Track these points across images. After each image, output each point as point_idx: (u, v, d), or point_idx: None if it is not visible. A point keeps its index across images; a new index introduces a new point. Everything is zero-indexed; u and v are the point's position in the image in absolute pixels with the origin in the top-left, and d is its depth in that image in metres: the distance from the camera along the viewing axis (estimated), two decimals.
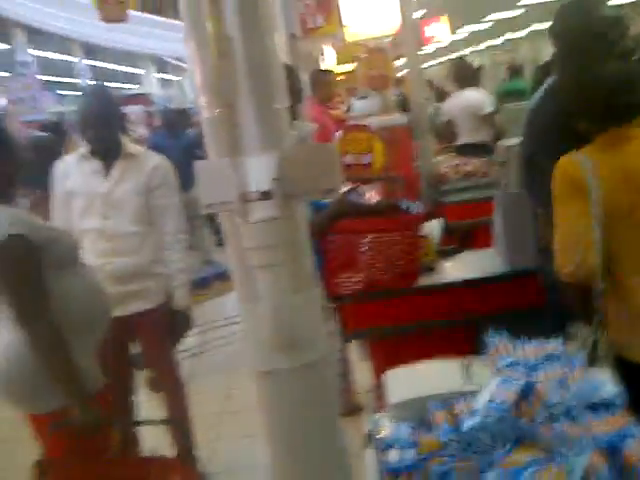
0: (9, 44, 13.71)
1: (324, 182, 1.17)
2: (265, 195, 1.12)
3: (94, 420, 2.13)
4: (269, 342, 1.21)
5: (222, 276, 4.91)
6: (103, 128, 2.90)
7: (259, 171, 1.14)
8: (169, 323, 3.05)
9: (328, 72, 6.39)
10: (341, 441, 1.36)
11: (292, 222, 1.19)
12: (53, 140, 7.30)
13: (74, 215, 2.94)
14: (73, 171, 2.99)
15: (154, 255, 3.01)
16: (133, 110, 12.15)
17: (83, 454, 2.17)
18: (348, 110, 7.42)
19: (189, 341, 4.94)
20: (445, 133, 5.88)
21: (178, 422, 3.01)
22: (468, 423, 1.46)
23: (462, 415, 1.51)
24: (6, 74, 12.20)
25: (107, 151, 2.96)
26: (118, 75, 22.98)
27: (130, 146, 3.03)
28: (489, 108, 5.75)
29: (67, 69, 18.27)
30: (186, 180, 7.48)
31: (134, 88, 23.78)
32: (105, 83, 21.92)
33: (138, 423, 2.79)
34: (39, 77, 11.52)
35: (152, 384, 3.79)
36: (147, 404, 3.15)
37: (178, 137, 7.56)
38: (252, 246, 1.14)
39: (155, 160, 3.03)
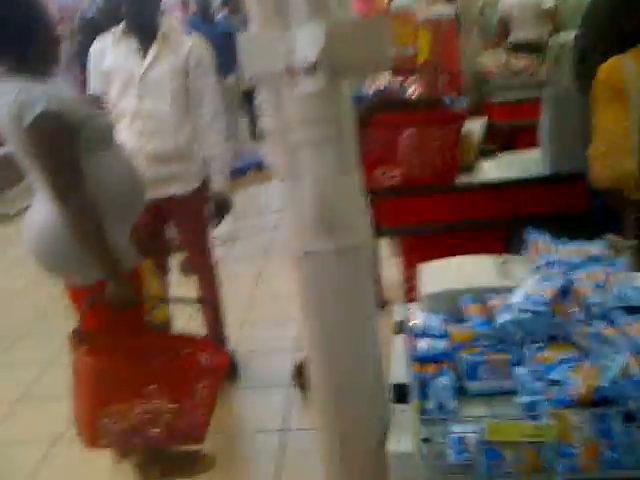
0: None
1: (373, 57, 1.11)
2: (311, 67, 1.08)
3: (128, 296, 2.20)
4: (309, 222, 1.20)
5: (257, 166, 4.91)
6: (141, 7, 2.82)
7: (306, 42, 1.09)
8: (206, 207, 3.07)
9: None
10: (374, 327, 1.38)
11: (339, 97, 1.15)
12: (102, 20, 7.19)
13: (111, 95, 2.90)
14: (110, 50, 2.93)
15: (191, 138, 2.97)
16: None
17: (117, 327, 2.26)
18: (390, 1, 7.14)
19: (223, 228, 5.04)
20: (497, 28, 5.63)
21: (209, 303, 3.09)
22: (502, 317, 1.46)
23: (496, 309, 1.51)
24: None
25: (144, 29, 2.88)
26: None
27: (168, 25, 2.94)
28: (550, 1, 5.44)
29: None
30: (222, 66, 7.41)
31: None
32: None
33: (171, 301, 2.86)
34: None
35: (185, 267, 3.88)
36: (179, 286, 3.23)
37: (213, 22, 7.41)
38: (296, 120, 1.11)
39: (192, 40, 2.95)
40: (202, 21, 7.38)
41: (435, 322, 1.54)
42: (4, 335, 4.13)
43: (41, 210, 2.23)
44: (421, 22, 3.95)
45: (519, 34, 5.53)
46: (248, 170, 4.83)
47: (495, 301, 1.54)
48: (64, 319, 3.78)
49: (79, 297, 2.27)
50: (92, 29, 6.16)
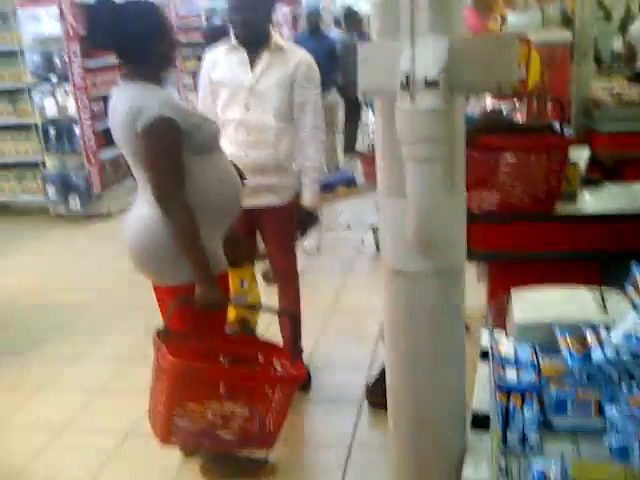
0: None
1: (498, 76, 1.10)
2: (430, 84, 1.09)
3: (216, 299, 2.27)
4: (410, 241, 1.20)
5: (348, 182, 4.96)
6: (251, 17, 2.90)
7: (427, 57, 1.10)
8: (295, 219, 3.12)
9: None
10: (463, 351, 1.37)
11: (454, 116, 1.16)
12: (228, 29, 7.48)
13: (219, 105, 3.01)
14: (221, 61, 3.04)
15: (291, 151, 3.05)
16: (279, 11, 12.07)
17: (200, 329, 2.33)
18: (503, 24, 7.05)
19: (309, 240, 5.10)
20: (625, 53, 5.45)
21: (289, 313, 3.14)
22: (598, 355, 1.42)
23: (592, 345, 1.47)
24: None
25: (254, 41, 2.96)
26: None
27: (278, 38, 3.02)
28: None
29: None
30: (324, 83, 7.49)
31: None
32: None
33: (253, 307, 2.93)
34: None
35: (267, 276, 3.96)
36: (261, 294, 3.29)
37: (321, 39, 7.56)
38: (407, 137, 1.12)
39: (300, 54, 3.01)
40: (309, 37, 7.56)
41: (525, 352, 1.51)
42: (91, 329, 4.31)
43: (141, 210, 2.35)
44: (534, 45, 3.90)
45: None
46: (339, 185, 4.88)
47: (591, 336, 1.49)
48: (146, 317, 3.96)
49: (167, 297, 2.35)
50: (219, 36, 6.43)
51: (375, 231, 5.17)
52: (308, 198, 3.08)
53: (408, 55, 1.11)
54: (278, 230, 3.16)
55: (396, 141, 1.17)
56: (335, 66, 7.31)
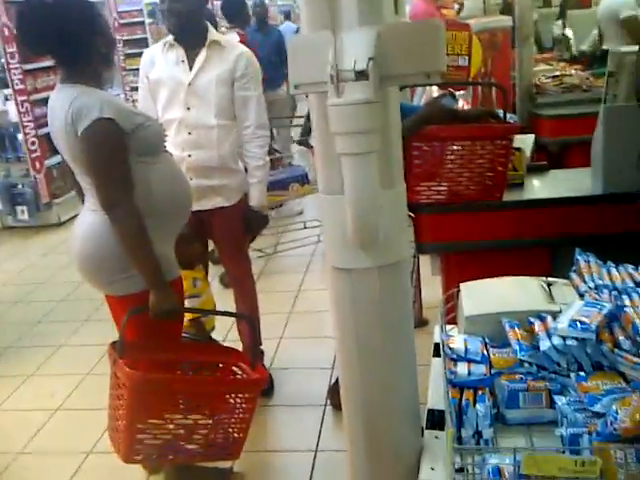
0: None
1: (426, 64, 1.06)
2: (360, 75, 1.04)
3: (171, 306, 2.19)
4: (350, 238, 1.16)
5: (301, 179, 4.92)
6: (179, 5, 2.81)
7: (354, 48, 1.05)
8: (244, 221, 3.06)
9: None
10: (411, 347, 1.34)
11: (386, 107, 1.12)
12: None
13: (159, 105, 2.92)
14: (158, 60, 2.96)
15: (235, 150, 2.98)
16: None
17: (155, 338, 2.26)
18: (460, 11, 7.04)
19: (264, 240, 5.04)
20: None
21: (246, 316, 3.08)
22: (546, 343, 1.40)
23: (540, 334, 1.45)
24: None
25: (190, 36, 2.89)
26: None
27: (215, 34, 2.95)
28: (630, 11, 5.08)
29: None
30: (274, 78, 7.39)
31: None
32: None
33: (209, 313, 2.86)
34: None
35: (224, 279, 3.89)
36: (217, 298, 3.22)
37: (268, 32, 7.47)
38: (340, 131, 1.07)
39: (239, 49, 2.95)
40: (257, 31, 7.45)
41: (475, 346, 1.49)
42: (43, 344, 4.18)
43: (88, 217, 2.26)
44: (476, 32, 3.90)
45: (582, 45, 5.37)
46: (292, 182, 4.84)
47: (539, 326, 1.48)
48: (100, 329, 3.84)
49: (119, 307, 2.28)
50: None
51: None
52: (255, 198, 3.02)
53: (336, 46, 1.07)
54: (227, 232, 3.09)
55: (331, 138, 1.13)
56: (284, 59, 7.22)
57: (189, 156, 2.88)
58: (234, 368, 2.41)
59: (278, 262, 5.09)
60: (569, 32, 6.62)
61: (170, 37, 2.95)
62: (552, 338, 1.41)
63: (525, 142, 3.23)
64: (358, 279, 1.25)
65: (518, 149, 2.90)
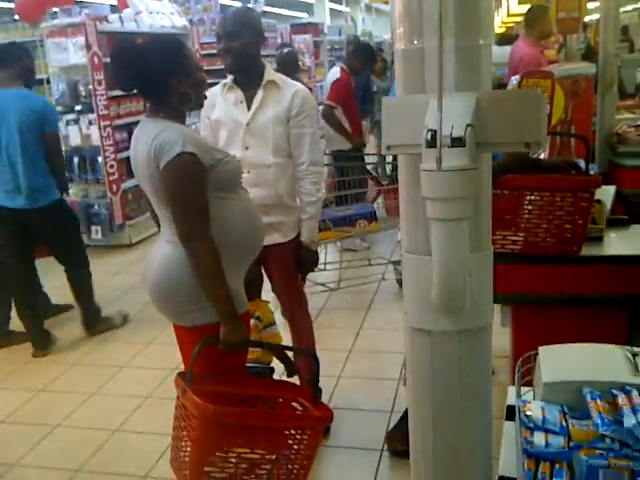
0: None
1: (525, 134, 1.05)
2: (456, 141, 1.04)
3: (241, 339, 2.21)
4: (435, 301, 1.15)
5: (369, 216, 4.91)
6: (235, 44, 2.87)
7: (453, 114, 1.05)
8: (296, 257, 3.07)
9: (545, 7, 6.03)
10: (489, 415, 1.30)
11: (480, 174, 1.11)
12: (295, 54, 7.52)
13: (219, 144, 2.97)
14: (218, 101, 3.03)
15: (292, 187, 3.02)
16: (302, 39, 12.23)
17: (222, 369, 2.27)
18: (560, 50, 6.97)
19: (327, 275, 5.04)
20: None
21: (309, 352, 3.06)
22: (631, 420, 1.34)
23: (624, 409, 1.39)
24: None
25: (248, 79, 2.95)
26: (292, 3, 22.96)
27: (272, 73, 3.00)
28: None
29: None
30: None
31: (304, 17, 23.70)
32: (278, 10, 21.90)
33: (272, 347, 2.85)
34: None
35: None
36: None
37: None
38: (432, 196, 1.07)
39: (295, 88, 2.99)
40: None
41: (553, 415, 1.43)
42: (100, 367, 4.27)
43: (164, 249, 2.31)
44: (558, 78, 3.84)
45: None
46: (360, 219, 4.83)
47: (623, 400, 1.41)
48: (163, 353, 3.89)
49: (188, 337, 2.31)
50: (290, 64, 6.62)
51: (396, 266, 5.09)
52: (305, 235, 3.04)
53: (434, 112, 1.06)
54: (281, 268, 3.10)
55: (420, 198, 1.12)
56: (369, 99, 7.26)
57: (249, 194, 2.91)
58: (293, 404, 2.40)
59: (341, 298, 5.06)
60: None
61: (229, 79, 3.03)
62: (638, 414, 1.34)
63: (606, 194, 3.14)
64: (438, 342, 1.23)
65: (599, 201, 2.82)
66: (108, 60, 2.50)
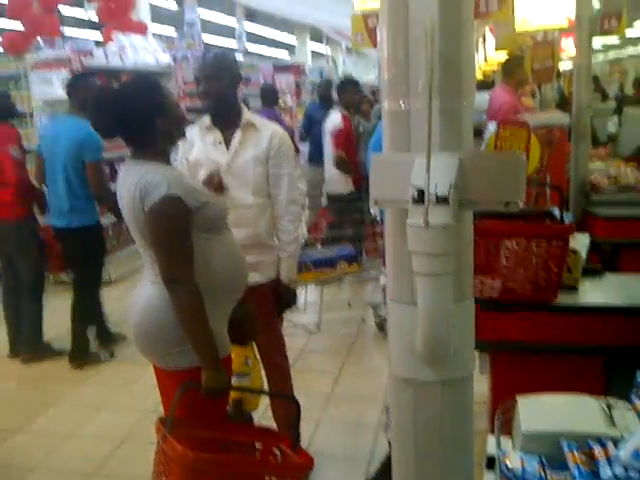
0: (180, 5, 14.11)
1: (506, 193, 1.10)
2: (441, 200, 1.08)
3: (223, 384, 2.21)
4: (420, 351, 1.18)
5: (349, 258, 4.95)
6: (215, 86, 2.92)
7: (437, 173, 1.10)
8: (275, 295, 3.08)
9: (521, 57, 6.22)
10: (470, 464, 1.32)
11: (462, 231, 1.15)
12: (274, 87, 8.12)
13: (199, 184, 3.00)
14: (197, 142, 3.07)
15: (269, 227, 3.05)
16: (284, 79, 12.39)
17: (203, 415, 2.26)
18: (534, 97, 7.16)
19: (306, 317, 5.04)
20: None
21: (290, 397, 3.04)
22: (607, 471, 1.37)
23: (600, 461, 1.42)
24: (173, 33, 12.65)
25: (227, 120, 3.01)
26: (272, 42, 23.35)
27: (249, 115, 3.06)
28: None
29: (227, 31, 18.72)
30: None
31: (285, 58, 24.07)
32: (259, 48, 22.18)
33: (252, 392, 2.83)
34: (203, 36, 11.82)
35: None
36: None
37: (330, 109, 7.70)
38: (417, 250, 1.10)
39: (272, 128, 3.05)
40: (320, 107, 7.70)
41: (532, 466, 1.46)
42: (78, 407, 4.20)
43: (148, 289, 2.31)
44: (533, 127, 3.94)
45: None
46: (339, 261, 4.87)
47: (599, 452, 1.45)
48: (136, 396, 3.81)
49: (169, 380, 2.30)
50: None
51: (376, 310, 5.11)
52: (284, 273, 3.06)
53: (420, 170, 1.10)
54: (260, 308, 3.04)
55: (406, 251, 1.16)
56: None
57: None
58: (274, 449, 2.38)
59: (320, 340, 5.05)
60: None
61: (207, 120, 3.07)
62: (613, 466, 1.38)
63: (581, 243, 3.21)
64: (421, 391, 1.26)
65: (574, 251, 2.89)
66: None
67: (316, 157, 6.96)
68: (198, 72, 3.00)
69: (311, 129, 7.57)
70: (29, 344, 4.88)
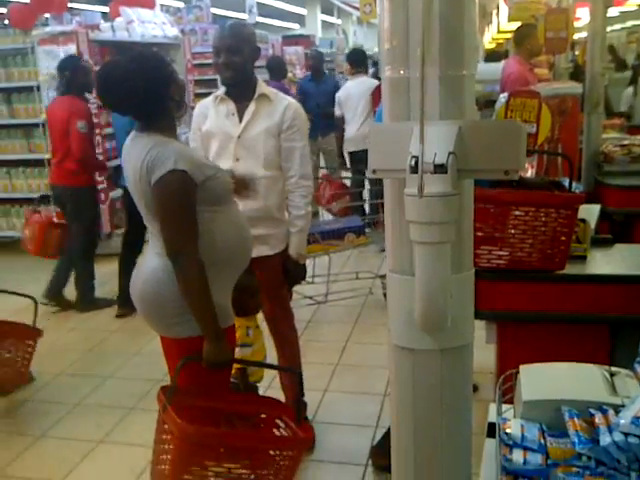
0: None
1: (505, 162, 1.10)
2: (439, 168, 1.08)
3: (225, 355, 2.24)
4: (418, 320, 1.19)
5: (357, 230, 4.96)
6: (236, 59, 2.91)
7: (436, 141, 1.10)
8: (284, 269, 3.10)
9: (534, 26, 6.12)
10: (469, 433, 1.34)
11: (462, 200, 1.15)
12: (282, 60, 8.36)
13: (210, 156, 3.00)
14: (210, 113, 3.07)
15: (281, 200, 3.06)
16: (293, 51, 12.29)
17: (206, 385, 2.30)
18: (551, 69, 7.07)
19: (314, 288, 5.07)
20: None
21: (292, 369, 3.09)
22: (606, 438, 1.39)
23: (600, 428, 1.44)
24: (181, 4, 12.57)
25: (241, 89, 3.00)
26: (284, 14, 23.08)
27: (263, 87, 3.05)
28: None
29: (237, 4, 18.49)
30: (324, 127, 7.76)
31: (296, 28, 23.81)
32: (270, 20, 21.93)
33: (254, 364, 2.87)
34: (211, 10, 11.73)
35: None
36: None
37: (321, 82, 7.74)
38: (416, 220, 1.11)
39: (287, 102, 3.04)
40: (311, 80, 7.73)
41: (532, 433, 1.48)
42: (90, 375, 4.28)
43: (152, 261, 2.34)
44: (545, 97, 3.91)
45: None
46: (347, 232, 4.88)
47: (600, 419, 1.46)
48: (149, 364, 3.86)
49: (173, 349, 2.34)
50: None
51: (383, 281, 5.14)
52: (293, 248, 3.08)
53: (417, 139, 1.11)
54: (268, 280, 3.11)
55: (405, 221, 1.16)
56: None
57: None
58: (277, 421, 2.42)
59: (328, 311, 5.09)
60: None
61: (221, 91, 3.07)
62: (613, 433, 1.39)
63: (590, 213, 3.20)
64: (420, 360, 1.27)
65: (583, 221, 2.88)
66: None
67: (309, 131, 7.01)
68: (218, 42, 2.97)
69: (305, 103, 7.59)
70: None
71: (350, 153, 6.91)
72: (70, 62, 5.39)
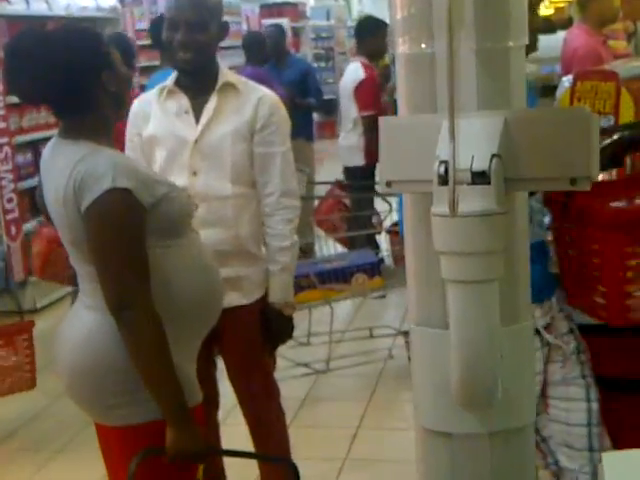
0: None
1: (570, 166, 1.10)
2: (479, 177, 1.09)
3: (194, 446, 2.21)
4: (456, 393, 1.19)
5: (369, 268, 4.93)
6: (206, 49, 2.96)
7: (473, 140, 1.11)
8: (263, 324, 3.10)
9: None
10: None
11: (512, 221, 1.15)
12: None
13: (155, 169, 2.96)
14: (154, 111, 3.07)
15: (255, 228, 3.06)
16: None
17: None
18: (630, 40, 7.15)
19: (311, 352, 5.05)
20: None
21: (286, 460, 3.07)
22: None
23: None
24: None
25: (199, 82, 3.02)
26: None
27: (228, 74, 3.08)
28: None
29: None
30: (298, 124, 7.81)
31: None
32: None
33: (241, 455, 2.84)
34: None
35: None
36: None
37: (288, 66, 7.85)
38: (448, 250, 1.11)
39: (261, 93, 3.06)
40: (274, 67, 7.87)
41: None
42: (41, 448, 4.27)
43: (84, 318, 2.34)
44: (624, 79, 3.94)
45: None
46: (355, 272, 4.86)
47: None
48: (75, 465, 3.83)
49: (116, 441, 2.32)
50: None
51: (408, 339, 5.10)
52: (275, 293, 3.07)
53: (447, 137, 1.11)
54: (241, 340, 3.12)
55: (433, 253, 1.16)
56: (309, 93, 7.51)
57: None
58: None
59: (330, 384, 5.08)
60: None
61: (169, 81, 3.07)
62: None
63: None
64: (461, 448, 1.27)
65: None
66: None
67: None
68: (175, 13, 2.98)
69: None
70: None
71: (345, 168, 7.00)
72: None
